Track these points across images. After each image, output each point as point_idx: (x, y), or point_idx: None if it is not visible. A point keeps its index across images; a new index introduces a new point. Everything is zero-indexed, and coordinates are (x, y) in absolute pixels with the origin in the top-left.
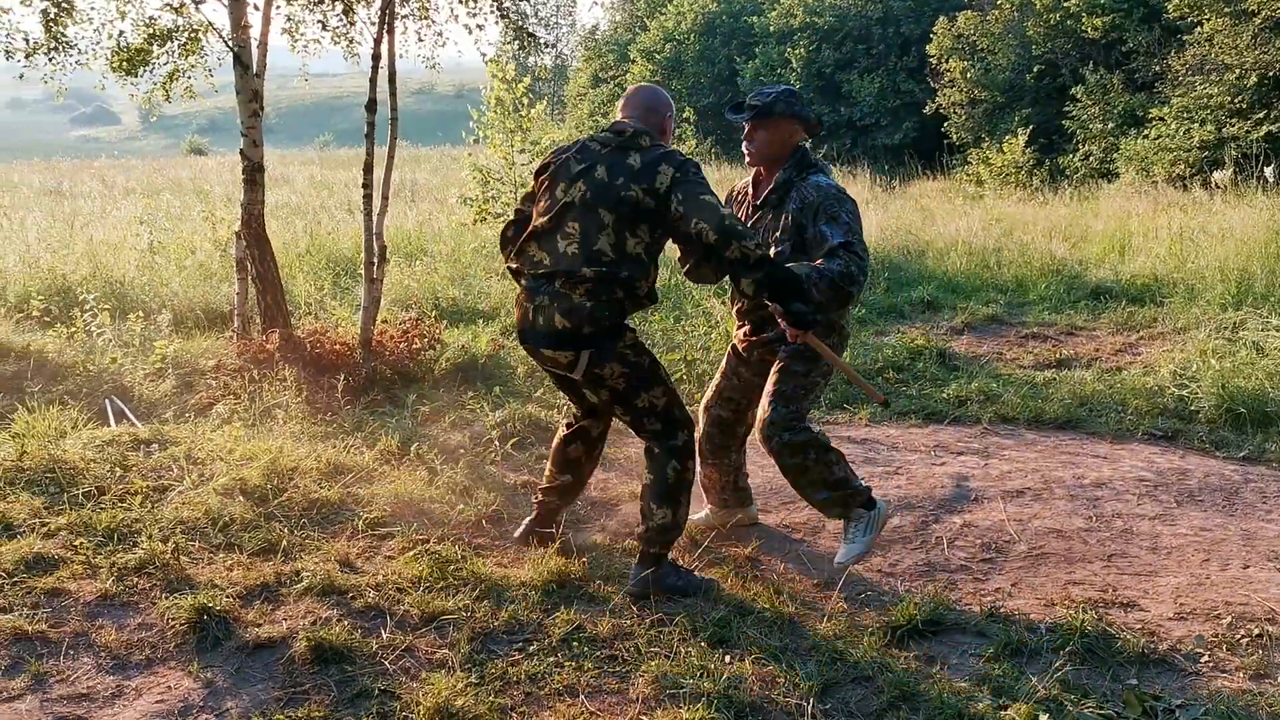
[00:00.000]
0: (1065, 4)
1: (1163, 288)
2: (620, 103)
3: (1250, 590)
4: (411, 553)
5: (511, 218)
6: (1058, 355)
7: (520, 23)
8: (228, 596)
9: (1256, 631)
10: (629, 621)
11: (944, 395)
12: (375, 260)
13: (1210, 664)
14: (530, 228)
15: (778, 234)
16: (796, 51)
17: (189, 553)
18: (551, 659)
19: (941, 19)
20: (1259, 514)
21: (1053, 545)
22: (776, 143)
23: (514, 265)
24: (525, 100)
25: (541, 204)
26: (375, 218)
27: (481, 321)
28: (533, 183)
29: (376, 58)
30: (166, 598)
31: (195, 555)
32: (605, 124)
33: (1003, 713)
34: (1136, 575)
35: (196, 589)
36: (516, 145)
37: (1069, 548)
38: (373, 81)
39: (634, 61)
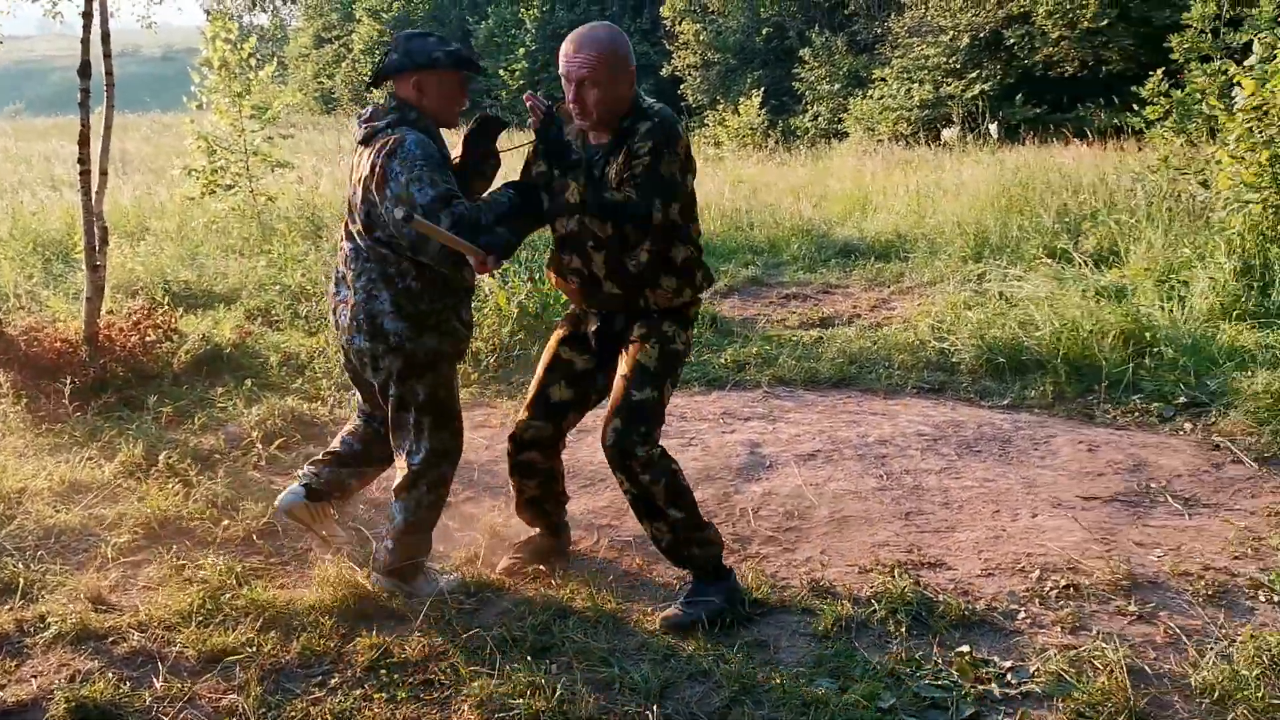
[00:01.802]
0: None
1: (905, 244)
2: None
3: (1045, 540)
4: (175, 582)
5: None
6: (819, 314)
7: None
8: None
9: (1064, 583)
10: (441, 639)
11: (722, 361)
12: (96, 244)
13: (1027, 620)
14: None
15: None
16: (530, 12)
17: None
18: (358, 692)
19: None
20: (1034, 460)
21: (852, 508)
22: (457, 96)
23: None
24: (252, 62)
25: None
26: (94, 196)
27: (221, 306)
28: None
29: (88, 15)
30: None
31: None
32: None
33: (845, 695)
34: (936, 532)
35: None
36: (245, 111)
37: (867, 509)
38: (84, 43)
39: (359, 21)
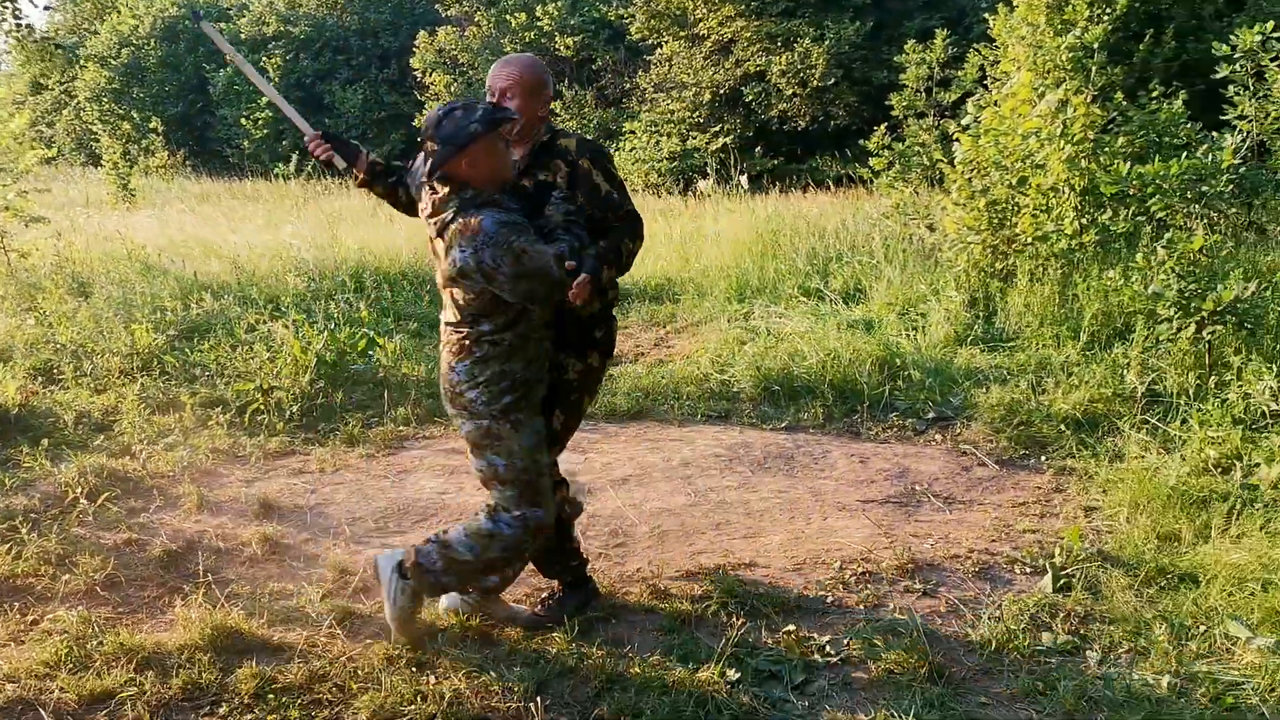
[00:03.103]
0: (538, 23)
1: (674, 287)
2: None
3: (839, 538)
4: (33, 635)
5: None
6: None
7: None
8: None
9: (860, 570)
10: (320, 663)
11: None
12: None
13: (835, 603)
14: None
15: None
16: (273, 60)
17: None
18: (249, 717)
19: (422, 33)
20: (815, 473)
21: (668, 523)
22: (486, 162)
23: None
24: (4, 113)
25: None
26: None
27: None
28: None
29: None
30: None
31: None
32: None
33: (697, 675)
34: (745, 538)
35: None
36: None
37: (682, 523)
38: None
39: (85, 67)
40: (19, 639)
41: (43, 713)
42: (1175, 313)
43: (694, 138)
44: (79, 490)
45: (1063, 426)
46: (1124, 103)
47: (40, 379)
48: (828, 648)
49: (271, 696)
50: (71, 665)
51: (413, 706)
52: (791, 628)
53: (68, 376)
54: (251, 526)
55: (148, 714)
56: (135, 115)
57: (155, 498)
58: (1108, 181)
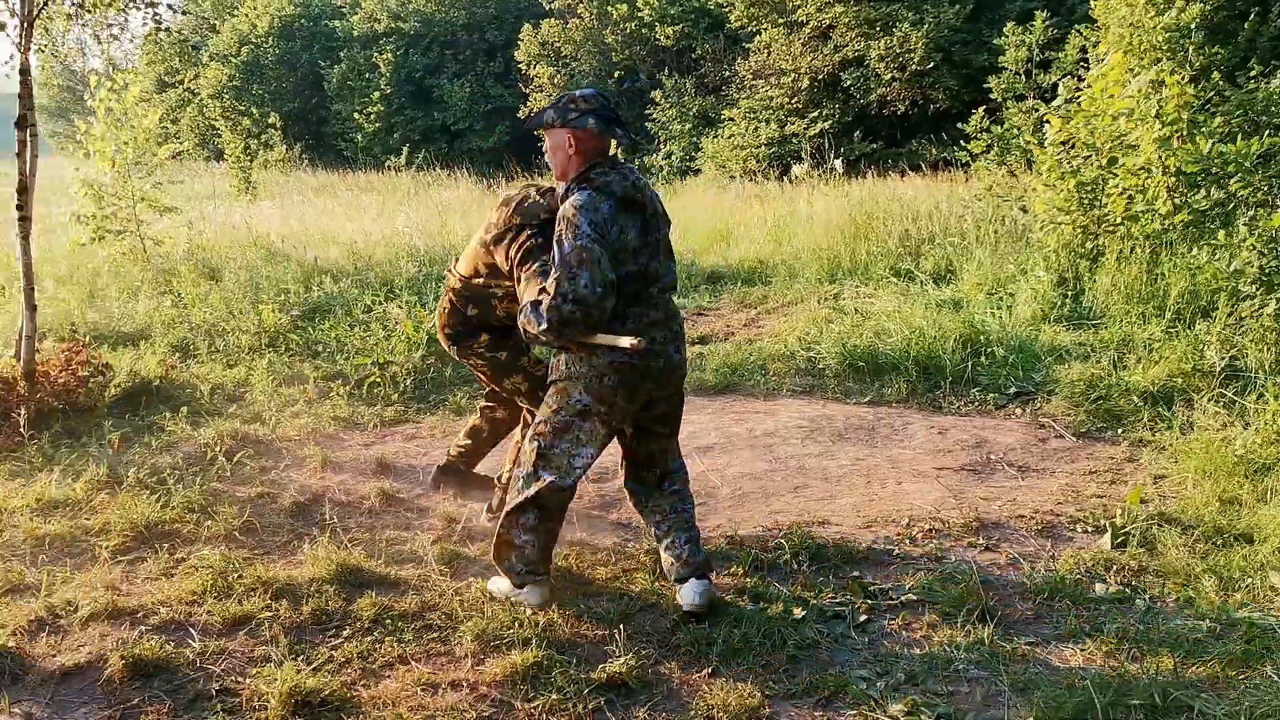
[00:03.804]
0: (639, 14)
1: (767, 269)
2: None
3: (911, 500)
4: (181, 570)
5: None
6: (698, 333)
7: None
8: (6, 634)
9: (928, 527)
10: (432, 596)
11: None
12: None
13: (899, 555)
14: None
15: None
16: (384, 56)
17: None
18: (370, 638)
19: (526, 26)
20: (895, 444)
21: (748, 486)
22: (555, 156)
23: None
24: (140, 109)
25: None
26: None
27: (131, 345)
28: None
29: (25, 71)
30: None
31: None
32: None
33: (765, 612)
34: (821, 500)
35: None
36: (130, 157)
37: (762, 486)
38: (22, 97)
39: (206, 65)
40: (169, 573)
41: (192, 630)
42: (1257, 289)
43: (792, 123)
44: (218, 450)
45: (1140, 400)
46: (1222, 83)
47: (178, 355)
48: (890, 592)
49: (389, 622)
50: (215, 594)
51: (511, 631)
52: (856, 574)
53: (202, 352)
54: (370, 483)
55: (282, 634)
56: (255, 111)
57: (284, 457)
58: (1190, 160)
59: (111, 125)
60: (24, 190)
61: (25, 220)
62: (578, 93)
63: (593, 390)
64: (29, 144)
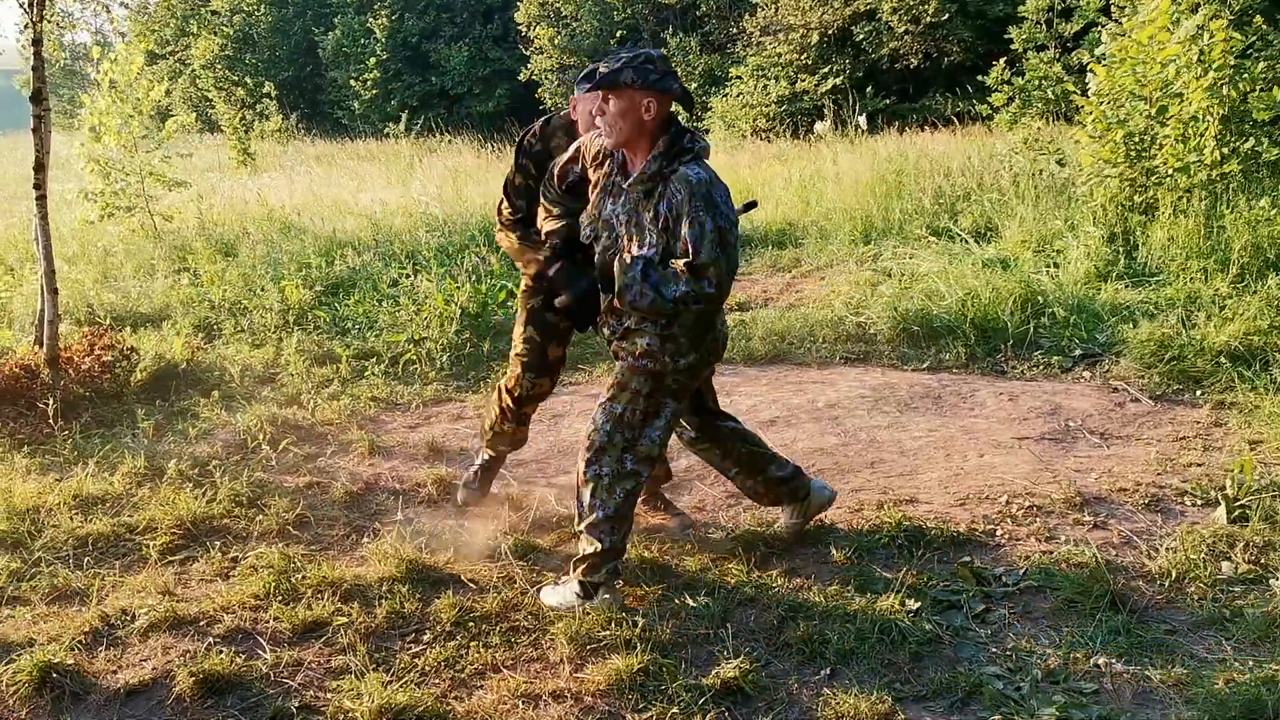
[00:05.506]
0: None
1: (796, 231)
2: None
3: (999, 474)
4: (240, 571)
5: None
6: (734, 300)
7: None
8: (63, 649)
9: (1027, 504)
10: (511, 593)
11: None
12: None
13: (1005, 536)
14: None
15: (647, 229)
16: (379, 21)
17: None
18: (454, 644)
19: None
20: (965, 411)
21: (822, 463)
22: (622, 119)
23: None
24: (147, 83)
25: None
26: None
27: (152, 325)
28: None
29: (38, 43)
30: None
31: None
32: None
33: (878, 605)
34: (902, 476)
35: (18, 651)
36: (137, 131)
37: (836, 462)
38: (36, 70)
39: (198, 35)
40: (225, 575)
41: (261, 640)
42: None
43: (803, 80)
44: (260, 437)
45: (1218, 360)
46: (1264, 26)
47: (201, 335)
48: (1004, 578)
49: (471, 624)
50: (280, 598)
51: (607, 633)
52: (966, 559)
53: (227, 332)
54: (424, 469)
55: (359, 641)
56: (249, 81)
57: (329, 443)
58: (1260, 108)
59: (116, 98)
60: (40, 168)
61: (43, 199)
62: (652, 51)
63: (692, 367)
64: (44, 119)
